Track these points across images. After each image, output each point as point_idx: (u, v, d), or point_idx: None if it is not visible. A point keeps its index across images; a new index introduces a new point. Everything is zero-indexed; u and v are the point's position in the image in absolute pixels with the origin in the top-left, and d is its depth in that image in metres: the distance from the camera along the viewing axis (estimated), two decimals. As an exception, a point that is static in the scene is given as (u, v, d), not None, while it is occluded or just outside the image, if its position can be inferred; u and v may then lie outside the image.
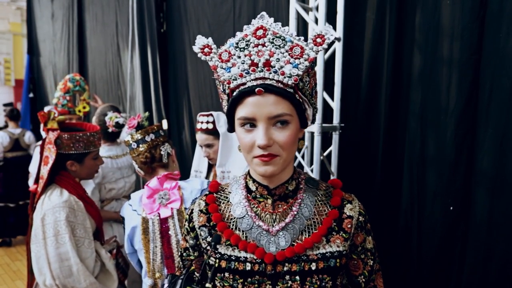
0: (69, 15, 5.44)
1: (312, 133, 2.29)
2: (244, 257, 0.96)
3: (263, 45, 0.88)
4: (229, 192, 1.06)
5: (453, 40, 1.84)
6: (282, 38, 0.89)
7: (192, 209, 1.08)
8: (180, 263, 1.12)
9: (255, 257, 0.95)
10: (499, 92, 1.70)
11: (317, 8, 2.25)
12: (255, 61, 0.88)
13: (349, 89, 2.29)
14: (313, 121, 1.04)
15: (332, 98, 2.25)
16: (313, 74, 0.96)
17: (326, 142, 2.28)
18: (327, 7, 2.09)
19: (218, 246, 0.98)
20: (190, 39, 3.47)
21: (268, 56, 0.88)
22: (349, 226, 0.99)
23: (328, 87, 2.25)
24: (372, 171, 2.25)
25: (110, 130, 2.47)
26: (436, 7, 1.90)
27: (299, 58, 0.88)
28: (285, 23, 2.49)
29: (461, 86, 1.83)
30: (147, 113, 1.85)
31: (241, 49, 0.90)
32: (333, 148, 2.28)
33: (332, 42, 2.25)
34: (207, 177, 2.32)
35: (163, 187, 1.69)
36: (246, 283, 0.96)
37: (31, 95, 6.75)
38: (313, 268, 0.94)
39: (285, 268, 0.94)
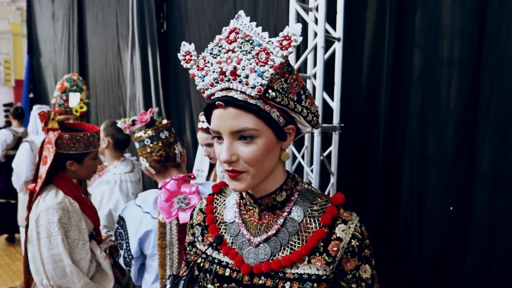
0: (70, 16, 5.45)
1: (312, 133, 2.29)
2: (226, 262, 0.95)
3: (233, 50, 0.81)
4: (228, 195, 1.06)
5: (453, 40, 1.84)
6: (250, 41, 0.79)
7: (195, 207, 1.10)
8: (185, 257, 1.12)
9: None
10: (499, 92, 1.70)
11: (317, 8, 2.24)
12: (223, 70, 0.81)
13: (349, 89, 2.29)
14: (314, 126, 0.95)
15: (332, 98, 2.25)
16: (293, 79, 0.86)
17: (326, 142, 2.28)
18: (327, 7, 2.08)
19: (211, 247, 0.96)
20: (190, 39, 3.46)
21: (235, 64, 0.80)
22: (334, 249, 0.87)
23: (328, 87, 2.24)
24: (372, 171, 2.25)
25: (127, 132, 2.49)
26: (436, 7, 1.90)
27: (263, 65, 0.78)
28: (285, 23, 2.49)
29: (461, 86, 1.83)
30: (157, 108, 1.79)
31: (214, 56, 0.83)
32: (333, 148, 2.28)
33: (332, 42, 2.25)
34: (208, 176, 2.32)
35: (181, 190, 1.60)
36: None
37: (31, 95, 6.76)
38: (287, 287, 0.87)
39: (260, 282, 0.90)
